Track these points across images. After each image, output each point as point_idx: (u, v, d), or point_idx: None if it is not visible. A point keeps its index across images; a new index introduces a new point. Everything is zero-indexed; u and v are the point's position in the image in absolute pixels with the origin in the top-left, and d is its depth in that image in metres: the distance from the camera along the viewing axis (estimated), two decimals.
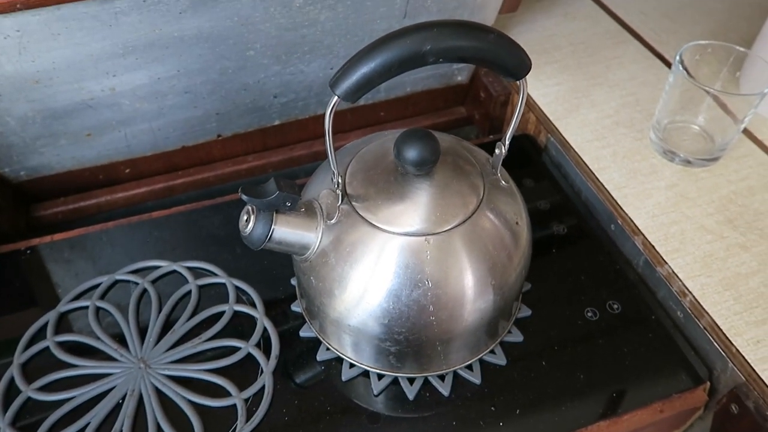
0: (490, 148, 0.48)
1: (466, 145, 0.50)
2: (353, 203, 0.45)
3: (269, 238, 0.43)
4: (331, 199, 0.45)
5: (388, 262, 0.43)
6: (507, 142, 0.46)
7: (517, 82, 0.41)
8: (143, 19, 0.49)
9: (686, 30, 0.77)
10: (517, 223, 0.47)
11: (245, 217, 0.44)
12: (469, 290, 0.44)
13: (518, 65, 0.40)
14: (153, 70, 0.55)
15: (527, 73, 0.40)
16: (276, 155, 0.75)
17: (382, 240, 0.43)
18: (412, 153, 0.43)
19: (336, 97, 0.38)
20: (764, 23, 0.65)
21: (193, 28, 0.52)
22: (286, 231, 0.44)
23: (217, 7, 0.50)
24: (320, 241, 0.45)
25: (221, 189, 0.75)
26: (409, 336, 0.45)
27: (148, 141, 0.66)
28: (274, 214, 0.43)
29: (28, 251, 0.59)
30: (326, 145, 0.41)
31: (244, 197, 0.42)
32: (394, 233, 0.43)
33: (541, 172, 0.67)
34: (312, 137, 0.76)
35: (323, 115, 0.39)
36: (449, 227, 0.43)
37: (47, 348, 0.51)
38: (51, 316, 0.53)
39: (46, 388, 0.49)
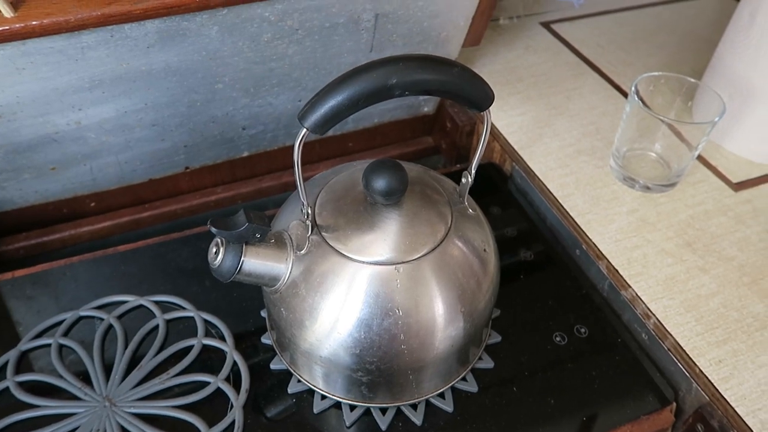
0: (457, 177, 0.49)
1: (434, 175, 0.51)
2: (323, 234, 0.45)
3: (239, 270, 0.43)
4: (301, 229, 0.46)
5: (358, 292, 0.43)
6: (473, 171, 0.47)
7: (481, 113, 0.43)
8: (111, 53, 0.49)
9: (641, 62, 0.81)
10: (484, 250, 0.48)
11: (214, 249, 0.44)
12: (440, 318, 0.45)
13: (481, 97, 0.41)
14: (120, 104, 0.55)
15: (490, 105, 0.42)
16: (245, 186, 0.75)
17: (353, 270, 0.44)
18: (380, 183, 0.43)
19: (305, 130, 0.39)
20: (712, 56, 0.69)
21: (161, 62, 0.52)
22: (256, 262, 0.44)
23: (185, 42, 0.51)
24: (290, 272, 0.45)
25: (189, 221, 0.74)
26: (381, 365, 0.45)
27: (114, 174, 0.65)
28: (244, 246, 0.43)
29: None
30: (295, 177, 0.42)
31: (213, 229, 0.42)
32: (364, 263, 0.44)
33: (507, 199, 0.69)
34: (281, 168, 0.76)
35: (292, 147, 0.39)
36: (418, 256, 0.44)
37: (7, 389, 0.50)
38: (11, 355, 0.52)
39: (6, 431, 0.47)
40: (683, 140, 0.61)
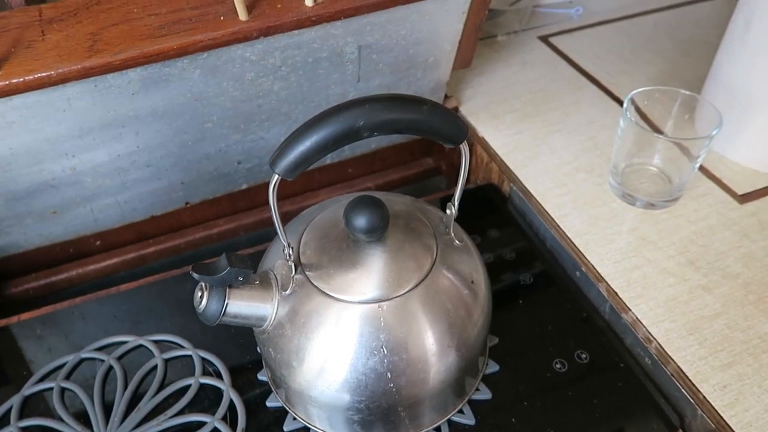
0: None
1: (421, 206, 0.51)
2: (307, 273, 0.45)
3: (223, 313, 0.43)
4: (286, 269, 0.46)
5: (342, 332, 0.43)
6: (456, 203, 0.47)
7: (457, 147, 0.42)
8: (96, 102, 0.50)
9: (640, 72, 0.79)
10: (472, 282, 0.47)
11: (199, 294, 0.44)
12: (428, 354, 0.44)
13: (455, 132, 0.41)
14: (112, 148, 0.56)
15: (464, 139, 0.41)
16: (246, 218, 0.76)
17: (337, 309, 0.43)
18: (360, 221, 0.43)
19: (276, 176, 0.39)
20: (712, 64, 0.67)
21: (147, 107, 0.53)
22: (241, 304, 0.44)
23: (168, 86, 0.52)
24: (276, 313, 0.45)
25: (194, 254, 0.75)
26: (370, 404, 0.44)
27: (115, 214, 0.66)
28: (227, 289, 0.43)
29: None
30: (274, 221, 0.42)
31: (196, 275, 0.42)
32: (347, 302, 0.43)
33: (507, 220, 0.68)
34: (281, 198, 0.77)
35: None
36: (402, 292, 0.44)
37: None
38: (15, 401, 0.53)
39: None
40: (684, 151, 0.60)
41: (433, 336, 0.44)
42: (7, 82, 0.44)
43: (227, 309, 0.43)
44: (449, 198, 0.50)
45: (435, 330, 0.44)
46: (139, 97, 0.51)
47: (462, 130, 0.41)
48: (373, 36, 0.56)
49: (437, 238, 0.47)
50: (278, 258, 0.47)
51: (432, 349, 0.44)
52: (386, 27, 0.56)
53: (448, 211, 0.48)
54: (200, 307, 0.44)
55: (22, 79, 0.44)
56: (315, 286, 0.44)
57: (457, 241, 0.48)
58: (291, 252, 0.44)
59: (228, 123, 0.59)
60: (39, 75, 0.45)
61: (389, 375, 0.43)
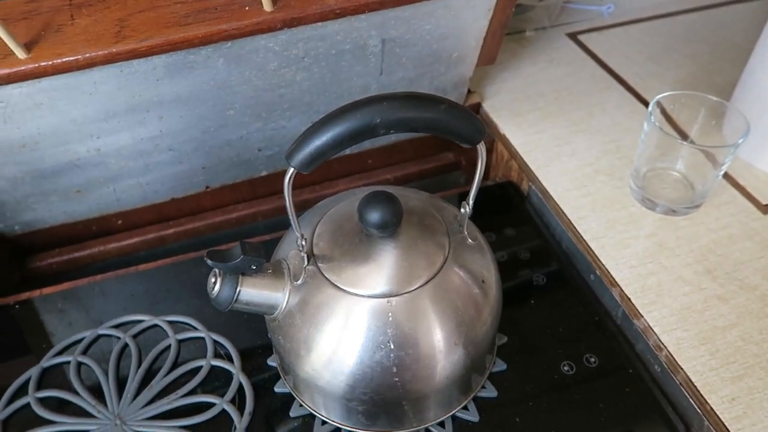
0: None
1: (436, 202, 0.51)
2: (319, 264, 0.45)
3: (235, 300, 0.44)
4: (299, 260, 0.46)
5: (351, 324, 0.44)
6: (471, 202, 0.47)
7: (474, 146, 0.42)
8: (122, 86, 0.51)
9: (671, 74, 0.77)
10: (483, 281, 0.47)
11: (213, 280, 0.45)
12: (434, 350, 0.44)
13: (472, 133, 0.41)
14: (136, 132, 0.57)
15: (481, 139, 0.41)
16: (265, 204, 0.77)
17: (346, 302, 0.44)
18: (374, 216, 0.43)
19: (292, 169, 0.39)
20: (744, 69, 0.66)
21: (171, 93, 0.54)
22: (253, 292, 0.45)
23: (192, 74, 0.52)
24: (287, 302, 0.46)
25: (212, 238, 0.76)
26: (375, 396, 0.45)
27: (137, 195, 0.68)
28: (240, 277, 0.44)
29: (17, 306, 0.61)
30: (288, 212, 0.42)
31: (210, 262, 0.43)
32: (356, 295, 0.44)
33: (524, 219, 0.68)
34: (300, 186, 0.77)
35: None
36: (412, 289, 0.44)
37: (28, 404, 0.53)
38: (33, 372, 0.55)
39: None
40: (708, 158, 0.59)
41: (441, 333, 0.44)
42: (37, 65, 0.45)
43: (239, 296, 0.44)
44: (467, 194, 0.50)
45: (443, 327, 0.45)
46: (164, 83, 0.52)
47: (479, 131, 0.41)
48: (397, 30, 0.56)
49: (450, 236, 0.47)
50: (292, 248, 0.48)
51: (439, 346, 0.44)
52: (411, 21, 0.55)
53: (462, 210, 0.48)
54: (213, 292, 0.44)
55: (50, 63, 0.46)
56: (326, 278, 0.45)
57: (470, 240, 0.48)
58: (304, 243, 0.45)
59: (250, 111, 0.60)
60: (67, 59, 0.46)
61: (395, 369, 0.44)
